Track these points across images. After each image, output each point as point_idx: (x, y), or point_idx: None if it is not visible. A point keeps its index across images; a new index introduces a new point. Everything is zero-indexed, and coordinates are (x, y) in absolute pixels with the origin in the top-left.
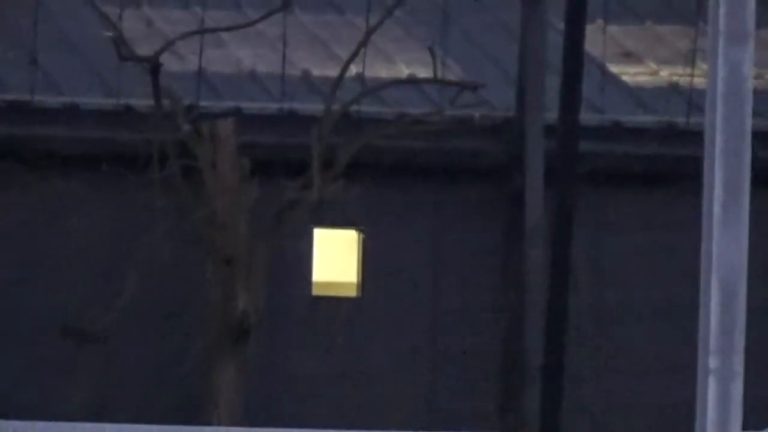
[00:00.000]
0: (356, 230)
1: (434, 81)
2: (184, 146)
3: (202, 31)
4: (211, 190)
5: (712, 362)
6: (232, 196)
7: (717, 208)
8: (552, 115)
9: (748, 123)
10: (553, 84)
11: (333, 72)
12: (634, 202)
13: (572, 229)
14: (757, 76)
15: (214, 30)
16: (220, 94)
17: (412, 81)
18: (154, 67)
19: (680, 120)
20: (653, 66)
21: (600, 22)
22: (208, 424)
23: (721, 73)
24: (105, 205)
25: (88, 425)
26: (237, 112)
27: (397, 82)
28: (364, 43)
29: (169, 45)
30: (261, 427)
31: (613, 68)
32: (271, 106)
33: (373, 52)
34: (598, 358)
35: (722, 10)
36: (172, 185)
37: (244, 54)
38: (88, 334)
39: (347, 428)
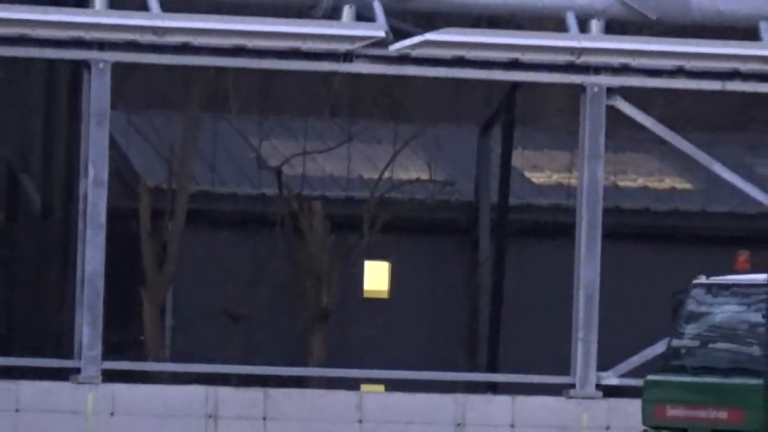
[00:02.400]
0: (387, 262)
1: (430, 181)
2: (294, 215)
3: (303, 153)
4: (309, 238)
5: (580, 334)
6: (320, 242)
7: (583, 249)
8: (493, 199)
9: (600, 206)
10: (494, 182)
11: (375, 175)
12: (539, 246)
13: (504, 260)
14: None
15: (310, 152)
16: (313, 186)
17: (418, 181)
18: (278, 173)
19: (563, 202)
20: (549, 173)
21: (520, 149)
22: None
23: (585, 176)
24: (250, 245)
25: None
26: (323, 197)
27: (410, 182)
28: (392, 160)
29: (286, 161)
30: (338, 368)
31: (527, 174)
32: (341, 194)
33: (397, 165)
34: (520, 333)
35: (586, 142)
36: (287, 235)
37: (327, 165)
38: (239, 315)
39: (384, 368)
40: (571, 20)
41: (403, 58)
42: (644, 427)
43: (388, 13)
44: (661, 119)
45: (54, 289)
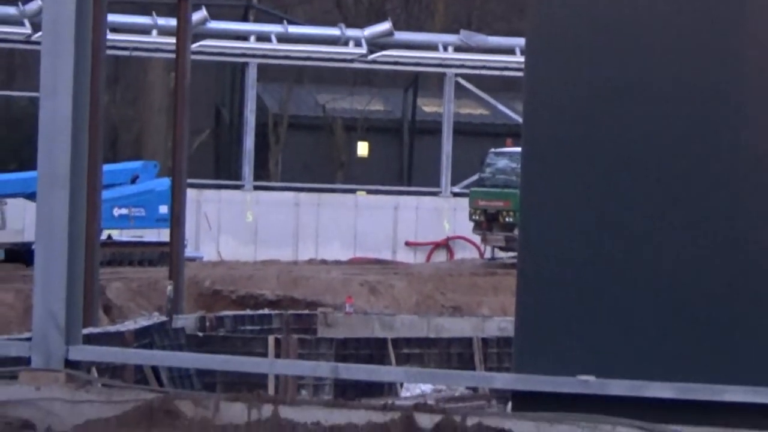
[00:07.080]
0: (367, 142)
1: (384, 111)
2: (330, 124)
3: (333, 99)
4: (335, 133)
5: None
6: (340, 134)
7: (445, 138)
8: (409, 118)
9: (451, 120)
10: (409, 111)
11: (362, 107)
12: (426, 139)
13: (413, 145)
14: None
15: (336, 99)
16: (337, 112)
17: (379, 111)
18: (323, 107)
19: (437, 119)
20: (432, 108)
21: (420, 98)
22: (334, 183)
23: (447, 110)
24: (313, 136)
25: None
26: (341, 117)
27: (377, 111)
28: (368, 103)
29: (326, 102)
30: (347, 184)
31: (423, 107)
32: (349, 116)
33: (371, 104)
34: (421, 171)
35: (446, 95)
36: (327, 132)
37: (343, 104)
38: (310, 164)
39: (365, 184)
40: (441, 48)
41: (373, 61)
42: (470, 209)
43: (368, 44)
44: (478, 88)
45: (235, 156)
